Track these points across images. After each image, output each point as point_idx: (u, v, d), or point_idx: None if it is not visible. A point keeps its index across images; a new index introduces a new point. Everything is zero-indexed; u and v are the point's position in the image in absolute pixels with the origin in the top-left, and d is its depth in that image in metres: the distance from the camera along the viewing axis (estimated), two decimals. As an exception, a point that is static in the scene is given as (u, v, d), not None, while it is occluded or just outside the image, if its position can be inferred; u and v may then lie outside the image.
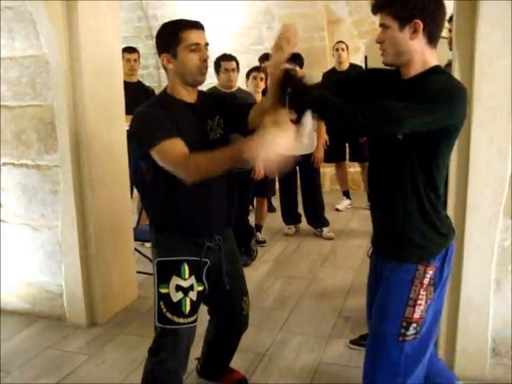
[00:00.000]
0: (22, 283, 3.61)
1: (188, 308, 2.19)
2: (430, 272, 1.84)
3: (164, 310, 2.19)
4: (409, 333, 1.85)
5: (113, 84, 3.53)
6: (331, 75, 5.95)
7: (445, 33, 2.94)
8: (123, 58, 4.38)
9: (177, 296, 2.18)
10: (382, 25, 1.78)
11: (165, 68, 2.18)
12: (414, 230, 1.85)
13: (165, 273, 2.21)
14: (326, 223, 5.27)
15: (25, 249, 3.55)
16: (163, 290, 2.19)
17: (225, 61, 4.33)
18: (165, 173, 2.09)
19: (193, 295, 2.21)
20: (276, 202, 5.72)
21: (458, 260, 2.56)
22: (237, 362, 2.82)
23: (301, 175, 5.27)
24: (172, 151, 2.02)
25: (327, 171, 6.91)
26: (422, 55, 1.77)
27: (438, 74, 1.78)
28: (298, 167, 5.20)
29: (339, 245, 5.01)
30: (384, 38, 1.78)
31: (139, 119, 2.15)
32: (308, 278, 4.19)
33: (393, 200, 1.88)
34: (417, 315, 1.85)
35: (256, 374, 2.83)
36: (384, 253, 1.98)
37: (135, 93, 4.41)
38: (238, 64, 4.38)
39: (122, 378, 2.84)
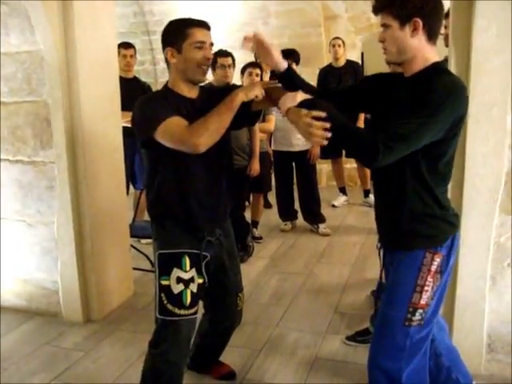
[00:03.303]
0: (18, 280, 3.60)
1: (189, 300, 2.22)
2: (438, 259, 1.90)
3: (165, 302, 2.21)
4: (415, 318, 1.91)
5: (108, 80, 3.52)
6: (327, 71, 5.96)
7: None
8: (119, 53, 4.37)
9: (177, 288, 2.20)
10: (383, 24, 1.85)
11: (167, 62, 2.20)
12: (421, 221, 1.90)
13: (166, 265, 2.23)
14: (322, 219, 5.27)
15: (21, 245, 3.54)
16: (164, 282, 2.21)
17: (221, 57, 4.31)
18: (167, 163, 2.13)
19: (193, 287, 2.23)
20: (272, 198, 5.72)
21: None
22: (233, 358, 2.84)
23: (297, 171, 5.28)
24: (176, 127, 2.03)
25: (323, 167, 6.93)
26: (423, 52, 1.83)
27: (439, 74, 1.82)
28: (294, 163, 5.21)
29: (335, 241, 5.01)
30: (385, 37, 1.85)
31: (140, 107, 2.17)
32: (304, 274, 4.19)
33: (398, 194, 1.91)
34: (423, 301, 1.91)
35: (252, 370, 2.83)
36: (392, 245, 2.04)
37: (131, 89, 4.39)
38: (234, 60, 4.37)
39: (118, 374, 2.84)
